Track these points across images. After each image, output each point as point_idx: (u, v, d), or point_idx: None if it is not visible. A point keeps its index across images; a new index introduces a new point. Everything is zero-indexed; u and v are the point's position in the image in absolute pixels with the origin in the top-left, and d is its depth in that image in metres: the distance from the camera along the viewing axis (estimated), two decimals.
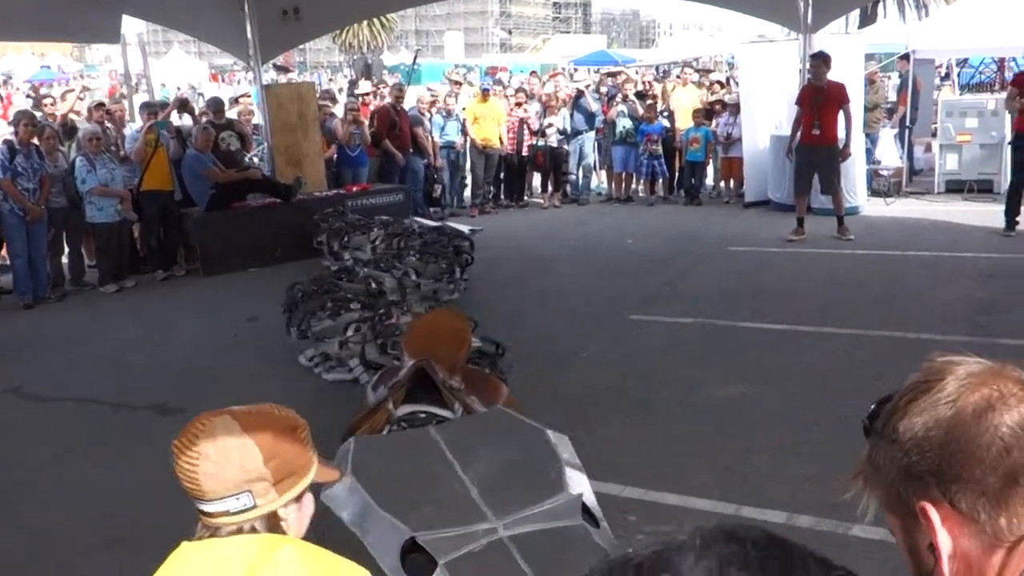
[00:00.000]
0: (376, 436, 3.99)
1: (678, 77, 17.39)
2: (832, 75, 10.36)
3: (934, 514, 1.03)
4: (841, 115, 10.29)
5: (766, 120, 12.47)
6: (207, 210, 10.62)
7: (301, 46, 34.89)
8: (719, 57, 29.87)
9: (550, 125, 13.58)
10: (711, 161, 13.79)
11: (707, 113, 13.47)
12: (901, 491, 1.07)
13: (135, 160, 10.41)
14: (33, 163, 9.33)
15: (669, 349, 7.04)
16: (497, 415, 3.86)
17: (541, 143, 13.65)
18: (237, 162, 11.29)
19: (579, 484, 3.15)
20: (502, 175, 14.23)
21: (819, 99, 10.27)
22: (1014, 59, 16.92)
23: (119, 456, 5.43)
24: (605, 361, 6.83)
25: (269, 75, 24.74)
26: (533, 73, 18.40)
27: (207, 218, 10.65)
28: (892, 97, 14.77)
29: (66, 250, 10.31)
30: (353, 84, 25.26)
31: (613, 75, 16.25)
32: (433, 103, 13.88)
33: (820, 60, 10.38)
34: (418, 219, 10.55)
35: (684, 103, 13.91)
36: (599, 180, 15.07)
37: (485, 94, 13.94)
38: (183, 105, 13.26)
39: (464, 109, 13.98)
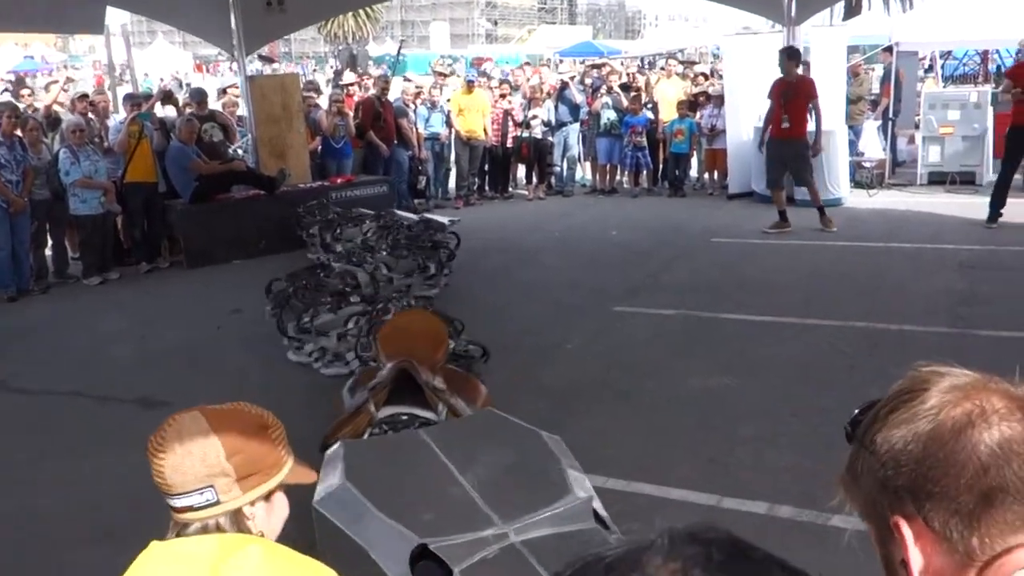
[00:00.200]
0: (365, 440, 3.86)
1: (662, 69, 17.42)
2: (815, 67, 10.42)
3: (907, 530, 1.02)
4: (811, 110, 10.37)
5: (750, 112, 12.49)
6: (191, 202, 10.58)
7: (286, 36, 34.64)
8: (704, 49, 29.89)
9: (535, 117, 13.60)
10: (695, 153, 13.81)
11: (691, 105, 13.49)
12: (877, 503, 1.05)
13: (119, 152, 10.37)
14: (16, 155, 9.29)
15: (653, 340, 7.08)
16: (488, 417, 3.80)
17: (526, 135, 13.65)
18: (221, 154, 11.24)
19: (584, 487, 3.07)
20: (487, 167, 14.21)
21: (789, 93, 10.38)
22: (997, 51, 16.98)
23: (106, 449, 5.43)
24: (589, 353, 6.87)
25: (254, 66, 24.53)
26: (526, 63, 18.35)
27: (191, 210, 10.61)
28: (876, 89, 14.83)
29: (49, 242, 10.26)
30: (338, 74, 25.11)
31: (598, 67, 16.23)
32: (418, 94, 13.85)
33: (787, 55, 10.51)
34: (398, 211, 10.52)
35: (668, 95, 13.95)
36: (583, 172, 15.09)
37: (470, 86, 13.94)
38: (167, 97, 13.19)
39: (449, 100, 13.96)
